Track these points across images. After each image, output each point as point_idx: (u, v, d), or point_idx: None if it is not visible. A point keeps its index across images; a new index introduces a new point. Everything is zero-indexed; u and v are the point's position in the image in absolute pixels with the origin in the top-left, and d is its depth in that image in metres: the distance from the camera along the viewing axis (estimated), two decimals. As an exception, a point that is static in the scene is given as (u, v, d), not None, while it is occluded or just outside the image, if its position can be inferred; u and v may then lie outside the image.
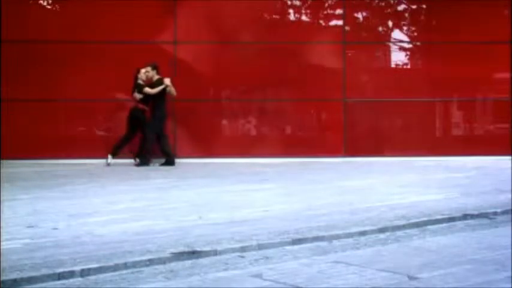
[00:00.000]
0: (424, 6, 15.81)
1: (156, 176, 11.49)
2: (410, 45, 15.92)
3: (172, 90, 13.54)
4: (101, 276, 5.16)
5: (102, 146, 13.76)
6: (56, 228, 6.69)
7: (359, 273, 5.21)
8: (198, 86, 14.75)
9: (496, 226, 7.19)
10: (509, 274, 5.10)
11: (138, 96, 13.33)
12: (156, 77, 13.57)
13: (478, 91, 15.57)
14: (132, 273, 5.25)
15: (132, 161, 13.41)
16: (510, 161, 12.96)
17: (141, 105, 13.33)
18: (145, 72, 13.51)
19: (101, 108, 14.54)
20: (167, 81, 13.49)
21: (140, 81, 13.43)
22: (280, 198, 8.77)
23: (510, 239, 6.33)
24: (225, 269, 5.40)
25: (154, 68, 13.60)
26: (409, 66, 16.13)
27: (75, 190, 9.67)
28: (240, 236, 6.28)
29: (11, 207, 7.94)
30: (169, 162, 13.40)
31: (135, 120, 13.37)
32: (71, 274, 5.09)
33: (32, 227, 6.77)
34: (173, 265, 5.48)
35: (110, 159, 13.17)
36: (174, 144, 14.34)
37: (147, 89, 13.34)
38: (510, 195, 8.55)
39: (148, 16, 14.54)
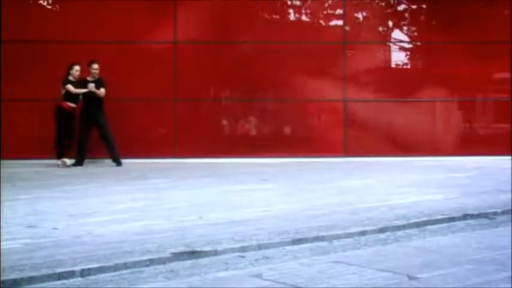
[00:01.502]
0: (424, 6, 15.82)
1: (156, 176, 11.49)
2: (410, 45, 15.92)
3: (100, 92, 13.18)
4: (101, 276, 5.16)
5: (102, 146, 13.74)
6: (56, 228, 6.69)
7: (359, 273, 5.21)
8: (198, 86, 14.76)
9: (496, 226, 7.19)
10: (509, 274, 5.10)
11: (63, 91, 13.04)
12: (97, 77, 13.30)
13: (478, 91, 15.57)
14: (132, 273, 5.26)
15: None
16: (510, 161, 12.96)
17: (66, 104, 12.98)
18: (94, 69, 13.22)
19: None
20: (91, 86, 13.11)
21: (71, 78, 13.15)
22: (280, 198, 8.77)
23: (510, 239, 6.34)
24: (225, 269, 5.40)
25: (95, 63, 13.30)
26: (409, 66, 16.13)
27: (75, 190, 9.67)
28: (240, 236, 6.28)
29: (11, 207, 7.94)
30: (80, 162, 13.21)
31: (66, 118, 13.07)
32: (71, 274, 5.09)
33: (32, 227, 6.77)
34: (173, 265, 5.48)
35: (68, 162, 12.97)
36: (174, 143, 14.36)
37: (70, 87, 12.99)
38: (510, 195, 8.55)
39: (148, 16, 14.55)
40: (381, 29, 15.88)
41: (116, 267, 5.28)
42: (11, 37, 13.96)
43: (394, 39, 15.80)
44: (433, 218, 7.28)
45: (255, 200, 8.59)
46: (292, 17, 15.67)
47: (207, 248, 5.81)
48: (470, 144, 15.03)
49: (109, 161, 13.29)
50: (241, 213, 7.58)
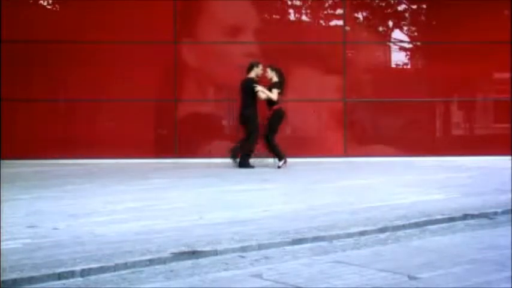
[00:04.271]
0: (424, 6, 15.82)
1: (156, 176, 11.49)
2: (410, 45, 15.92)
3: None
4: (101, 276, 5.16)
5: (102, 146, 13.76)
6: (56, 228, 6.69)
7: (359, 273, 5.21)
8: (198, 86, 14.75)
9: (496, 226, 7.19)
10: (509, 274, 5.10)
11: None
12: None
13: (478, 91, 15.57)
14: (133, 273, 5.26)
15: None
16: (510, 161, 12.96)
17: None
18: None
19: (101, 108, 14.52)
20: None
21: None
22: (280, 198, 8.77)
23: (510, 239, 6.34)
24: (225, 269, 5.40)
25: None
26: (409, 66, 16.12)
27: (75, 190, 9.67)
28: (240, 236, 6.28)
29: (11, 207, 7.94)
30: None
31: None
32: (71, 274, 5.09)
33: (32, 227, 6.77)
34: (173, 265, 5.48)
35: (280, 163, 12.73)
36: (175, 143, 14.35)
37: (268, 94, 12.75)
38: (510, 195, 8.55)
39: (148, 16, 14.54)
40: (381, 29, 15.88)
41: (116, 267, 5.28)
42: (11, 37, 13.96)
43: (394, 39, 15.80)
44: (433, 218, 7.29)
45: (255, 200, 8.59)
46: (292, 17, 15.67)
47: (207, 248, 5.81)
48: (470, 144, 15.03)
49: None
50: (241, 213, 7.58)
